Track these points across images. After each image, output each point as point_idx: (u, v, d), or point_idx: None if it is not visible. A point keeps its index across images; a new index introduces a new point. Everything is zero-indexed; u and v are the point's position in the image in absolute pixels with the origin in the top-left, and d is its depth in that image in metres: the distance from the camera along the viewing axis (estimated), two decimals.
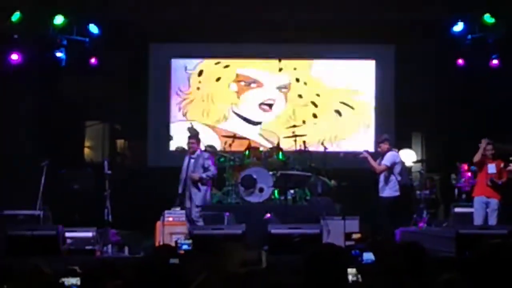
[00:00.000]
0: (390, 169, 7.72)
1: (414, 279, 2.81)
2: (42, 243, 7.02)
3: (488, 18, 9.18)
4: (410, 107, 10.24)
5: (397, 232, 7.71)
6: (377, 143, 7.98)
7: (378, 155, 7.97)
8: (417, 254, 2.99)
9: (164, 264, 3.04)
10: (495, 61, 9.43)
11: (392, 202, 7.71)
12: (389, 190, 7.73)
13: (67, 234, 7.38)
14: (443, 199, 9.55)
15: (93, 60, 9.81)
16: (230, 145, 9.35)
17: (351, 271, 2.73)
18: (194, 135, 8.11)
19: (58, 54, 9.40)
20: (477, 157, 7.82)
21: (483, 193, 7.80)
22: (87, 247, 7.42)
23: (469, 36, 9.41)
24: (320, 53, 10.58)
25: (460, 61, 9.79)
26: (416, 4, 9.32)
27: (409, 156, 9.76)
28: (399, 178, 7.74)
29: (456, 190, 9.13)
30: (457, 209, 8.66)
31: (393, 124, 10.36)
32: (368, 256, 4.38)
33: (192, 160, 7.77)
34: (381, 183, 7.76)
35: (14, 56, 9.13)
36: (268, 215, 7.77)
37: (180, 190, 7.80)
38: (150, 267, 2.98)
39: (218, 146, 9.72)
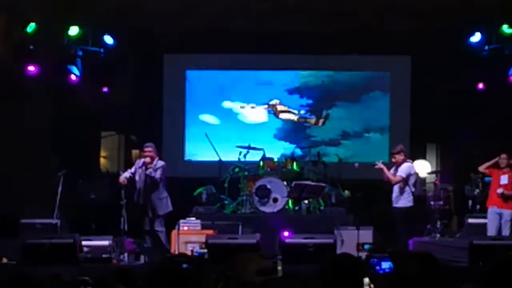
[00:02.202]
0: (405, 180, 7.72)
1: None
2: (60, 251, 7.10)
3: (506, 29, 9.14)
4: (425, 118, 10.24)
5: (411, 242, 7.70)
6: (392, 154, 7.95)
7: (391, 165, 7.97)
8: (430, 264, 3.02)
9: (177, 271, 3.10)
10: None
11: (406, 213, 7.70)
12: (404, 200, 7.73)
13: (84, 243, 7.46)
14: (456, 210, 9.51)
15: (105, 89, 9.90)
16: (244, 155, 9.42)
17: (365, 280, 2.77)
18: (150, 144, 7.89)
19: (73, 65, 9.51)
20: (482, 167, 7.87)
21: (495, 203, 7.80)
22: (104, 256, 7.50)
23: (486, 47, 9.38)
24: (334, 64, 10.63)
25: (481, 85, 9.75)
26: (433, 14, 9.31)
27: (423, 167, 9.75)
28: (413, 189, 7.73)
29: (470, 201, 9.10)
30: (470, 220, 8.62)
31: (408, 135, 10.35)
32: (387, 265, 4.37)
33: (149, 170, 7.62)
34: (395, 194, 7.76)
35: (31, 68, 9.23)
36: (287, 233, 7.71)
37: (141, 201, 7.70)
38: (163, 273, 3.04)
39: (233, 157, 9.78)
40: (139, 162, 7.78)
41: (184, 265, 3.27)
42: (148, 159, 7.62)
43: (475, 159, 9.08)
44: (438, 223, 8.59)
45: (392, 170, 7.82)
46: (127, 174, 7.77)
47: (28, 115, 9.61)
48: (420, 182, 8.46)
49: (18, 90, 9.38)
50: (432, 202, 8.89)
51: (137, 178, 7.74)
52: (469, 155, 9.63)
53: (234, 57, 10.56)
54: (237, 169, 9.15)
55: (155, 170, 7.63)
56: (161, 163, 7.75)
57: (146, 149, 7.72)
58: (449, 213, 9.42)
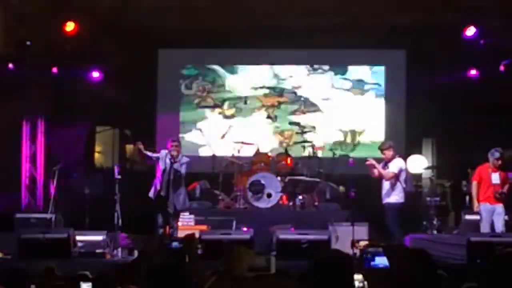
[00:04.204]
0: (396, 176, 7.70)
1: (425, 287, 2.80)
2: (54, 246, 7.11)
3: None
4: (420, 112, 10.20)
5: (407, 238, 7.67)
6: (381, 150, 7.91)
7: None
8: (425, 261, 2.98)
9: (173, 266, 3.07)
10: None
11: (399, 209, 7.69)
12: (395, 196, 7.71)
13: (78, 237, 7.44)
14: (453, 206, 9.47)
15: (97, 75, 9.81)
16: (238, 150, 9.37)
17: (358, 277, 2.73)
18: (176, 138, 8.01)
19: (69, 61, 9.47)
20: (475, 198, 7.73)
21: (487, 200, 7.74)
22: (97, 251, 7.47)
23: (482, 41, 9.32)
24: (329, 59, 10.58)
25: (473, 71, 9.72)
26: (427, 8, 9.27)
27: (419, 163, 9.71)
28: (404, 185, 7.72)
29: (467, 197, 9.05)
30: (468, 216, 8.57)
31: (404, 130, 10.32)
32: (382, 260, 4.33)
33: (176, 164, 7.69)
34: (387, 190, 7.74)
35: (28, 63, 9.20)
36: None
37: (163, 193, 7.73)
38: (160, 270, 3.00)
39: (227, 152, 9.74)
40: (163, 152, 7.78)
41: (174, 244, 3.26)
42: (175, 153, 7.66)
43: (472, 154, 9.04)
44: (435, 219, 8.55)
45: (381, 165, 7.79)
46: (149, 152, 7.88)
47: (24, 110, 9.58)
48: (411, 178, 8.41)
49: (15, 85, 9.36)
50: (428, 198, 8.84)
51: (161, 166, 7.73)
52: (466, 150, 9.59)
53: (227, 52, 10.52)
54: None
55: (181, 165, 7.68)
56: (186, 158, 7.82)
57: (174, 143, 7.77)
58: (446, 209, 9.38)
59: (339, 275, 2.55)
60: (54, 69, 9.54)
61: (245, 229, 7.64)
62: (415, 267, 2.87)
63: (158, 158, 7.85)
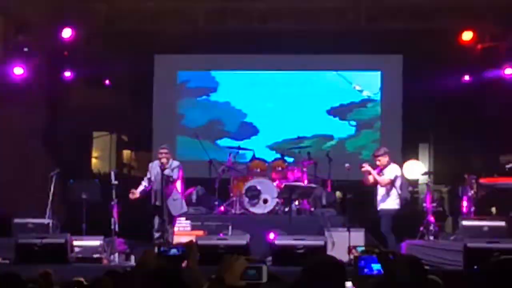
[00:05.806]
0: (392, 182, 7.71)
1: None
2: (51, 251, 7.15)
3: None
4: (417, 118, 10.22)
5: (403, 245, 7.67)
6: (376, 156, 7.90)
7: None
8: (416, 267, 3.00)
9: (167, 273, 3.08)
10: (508, 71, 9.33)
11: (394, 215, 7.69)
12: (391, 201, 7.71)
13: (75, 243, 7.47)
14: (451, 212, 9.48)
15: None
16: (234, 156, 9.39)
17: (348, 284, 2.74)
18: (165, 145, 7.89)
19: (66, 67, 9.52)
20: None
21: None
22: (94, 256, 7.49)
23: (479, 46, 9.34)
24: (325, 64, 10.61)
25: (469, 77, 9.74)
26: (424, 13, 9.29)
27: (416, 168, 9.72)
28: (400, 191, 7.71)
29: (464, 203, 9.05)
30: (465, 222, 8.57)
31: (400, 136, 10.33)
32: (376, 267, 4.32)
33: (167, 171, 7.62)
34: (382, 196, 7.74)
35: (24, 69, 9.22)
36: (273, 234, 7.61)
37: (158, 203, 7.67)
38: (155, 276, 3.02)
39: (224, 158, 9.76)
40: (153, 164, 7.76)
41: (173, 251, 3.27)
42: (164, 160, 7.61)
43: (469, 160, 9.05)
44: (432, 225, 8.54)
45: (376, 172, 7.79)
46: (141, 187, 7.77)
47: (21, 116, 9.61)
48: (406, 184, 8.42)
49: (12, 91, 9.39)
50: (424, 204, 8.85)
51: (152, 178, 7.70)
52: (463, 156, 9.60)
53: (224, 57, 10.54)
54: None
55: (172, 170, 7.62)
56: (176, 163, 7.76)
57: (162, 150, 7.72)
58: (443, 215, 9.38)
59: (329, 281, 2.56)
60: (52, 75, 9.57)
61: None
62: (405, 273, 2.89)
63: (150, 179, 7.81)
